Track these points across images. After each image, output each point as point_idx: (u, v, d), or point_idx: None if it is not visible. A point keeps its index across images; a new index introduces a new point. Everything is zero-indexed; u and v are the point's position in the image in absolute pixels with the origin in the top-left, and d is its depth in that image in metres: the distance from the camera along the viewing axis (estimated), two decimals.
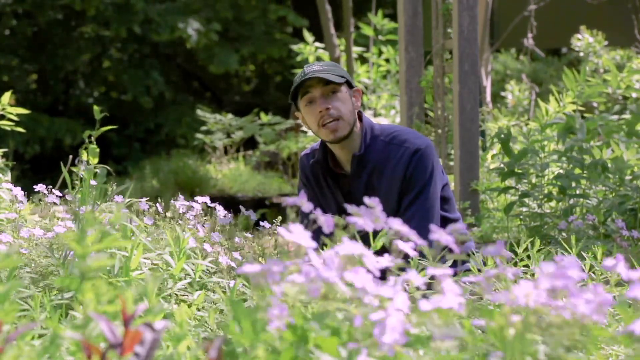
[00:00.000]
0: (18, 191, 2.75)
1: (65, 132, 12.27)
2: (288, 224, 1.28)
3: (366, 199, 1.37)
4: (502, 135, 4.17)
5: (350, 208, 1.34)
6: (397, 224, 1.34)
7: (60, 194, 2.83)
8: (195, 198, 2.68)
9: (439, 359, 1.17)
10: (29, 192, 2.85)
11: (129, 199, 2.67)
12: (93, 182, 2.70)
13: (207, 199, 2.68)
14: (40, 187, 2.79)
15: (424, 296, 1.30)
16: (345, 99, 2.82)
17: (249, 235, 2.64)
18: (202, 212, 2.66)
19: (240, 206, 2.81)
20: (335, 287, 1.19)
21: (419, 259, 1.89)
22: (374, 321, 1.15)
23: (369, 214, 1.33)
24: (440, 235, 1.32)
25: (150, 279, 1.32)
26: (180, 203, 2.64)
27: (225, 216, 2.66)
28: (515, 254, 2.23)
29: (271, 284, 1.19)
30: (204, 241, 2.47)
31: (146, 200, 2.70)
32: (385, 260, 1.29)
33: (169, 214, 2.65)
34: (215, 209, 2.68)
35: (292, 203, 1.35)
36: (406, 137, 2.84)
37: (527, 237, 3.84)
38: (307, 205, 1.36)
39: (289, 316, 1.17)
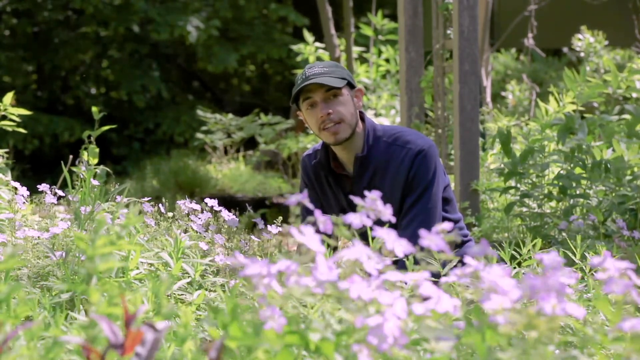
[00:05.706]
0: (23, 191, 2.75)
1: (64, 130, 12.27)
2: (294, 225, 1.27)
3: (367, 194, 1.37)
4: (503, 135, 4.17)
5: (357, 200, 1.33)
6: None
7: (62, 194, 2.83)
8: (206, 201, 2.66)
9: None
10: (30, 192, 2.85)
11: (129, 199, 2.66)
12: (95, 182, 2.70)
13: (214, 202, 2.67)
14: (44, 186, 2.78)
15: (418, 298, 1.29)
16: (346, 102, 2.81)
17: (253, 237, 2.64)
18: (205, 211, 2.66)
19: (247, 206, 2.81)
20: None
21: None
22: (372, 326, 1.14)
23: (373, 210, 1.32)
24: (431, 241, 1.30)
25: (163, 279, 1.32)
26: (188, 205, 2.62)
27: (231, 218, 2.65)
28: (519, 254, 2.24)
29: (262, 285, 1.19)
30: (203, 240, 2.47)
31: (147, 201, 2.70)
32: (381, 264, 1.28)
33: (170, 214, 2.65)
34: (219, 212, 2.67)
35: (293, 203, 1.34)
36: (409, 138, 2.83)
37: (527, 237, 3.84)
38: (309, 205, 1.35)
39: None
